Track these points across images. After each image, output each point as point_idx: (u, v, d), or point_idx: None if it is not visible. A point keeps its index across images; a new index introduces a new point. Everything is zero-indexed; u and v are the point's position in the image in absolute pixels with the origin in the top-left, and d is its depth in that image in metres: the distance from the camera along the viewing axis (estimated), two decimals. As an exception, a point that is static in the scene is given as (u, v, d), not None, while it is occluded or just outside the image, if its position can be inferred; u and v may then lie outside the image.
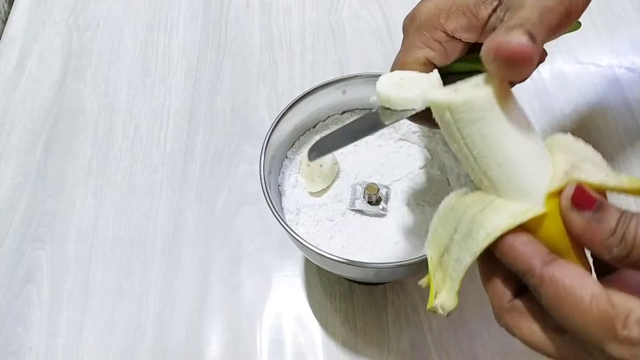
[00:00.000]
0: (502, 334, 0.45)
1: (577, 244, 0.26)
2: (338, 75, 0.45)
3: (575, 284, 0.24)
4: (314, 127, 0.48)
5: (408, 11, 0.74)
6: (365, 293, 0.48)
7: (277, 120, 0.43)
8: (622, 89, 0.58)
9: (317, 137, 0.48)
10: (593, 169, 0.27)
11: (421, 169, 0.46)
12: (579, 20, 0.36)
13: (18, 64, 0.64)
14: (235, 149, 0.56)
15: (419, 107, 0.30)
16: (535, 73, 0.64)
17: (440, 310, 0.28)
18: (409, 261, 0.37)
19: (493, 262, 0.27)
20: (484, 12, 0.31)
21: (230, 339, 0.46)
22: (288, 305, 0.48)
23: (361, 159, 0.47)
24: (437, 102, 0.27)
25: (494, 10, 0.31)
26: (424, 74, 0.32)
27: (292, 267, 0.49)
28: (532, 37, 0.26)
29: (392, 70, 0.34)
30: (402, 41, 0.34)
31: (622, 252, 0.25)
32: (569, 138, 0.28)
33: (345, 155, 0.48)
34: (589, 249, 0.26)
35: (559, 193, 0.26)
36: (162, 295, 0.48)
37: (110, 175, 0.55)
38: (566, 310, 0.24)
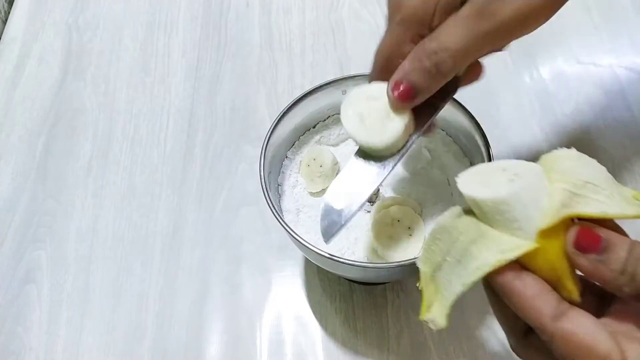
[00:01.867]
0: (501, 334, 0.45)
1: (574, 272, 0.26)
2: (338, 75, 0.45)
3: (588, 340, 0.24)
4: (314, 127, 0.48)
5: (408, 11, 0.72)
6: (365, 293, 0.48)
7: (277, 120, 0.43)
8: (622, 89, 0.58)
9: (318, 137, 0.48)
10: (593, 194, 0.26)
11: (421, 169, 0.46)
12: None
13: (18, 64, 0.64)
14: (235, 149, 0.56)
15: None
16: (535, 73, 0.63)
17: (431, 325, 0.28)
18: (409, 261, 0.37)
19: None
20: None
21: (230, 339, 0.46)
22: (288, 305, 0.48)
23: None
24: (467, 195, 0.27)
25: None
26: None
27: (292, 267, 0.49)
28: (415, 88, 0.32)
29: (375, 59, 0.36)
30: (386, 29, 0.34)
31: (634, 292, 0.25)
32: (570, 154, 0.28)
33: (345, 155, 0.47)
34: (602, 286, 0.26)
35: (554, 228, 0.26)
36: (162, 295, 0.48)
37: (110, 175, 0.55)
38: None
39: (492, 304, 0.28)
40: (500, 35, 0.30)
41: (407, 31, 0.33)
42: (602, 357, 0.24)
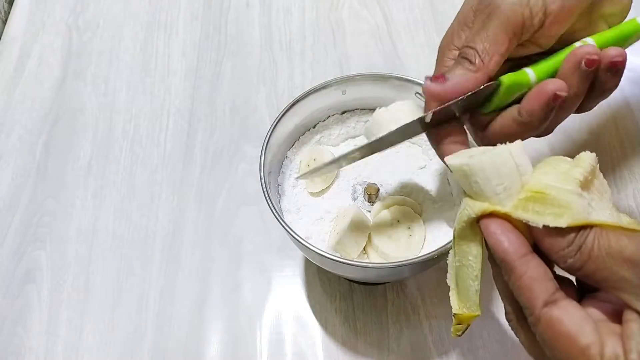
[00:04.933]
0: (502, 334, 0.45)
1: None
2: (338, 75, 0.45)
3: (572, 330, 0.25)
4: (314, 127, 0.48)
5: (408, 11, 0.74)
6: (365, 293, 0.48)
7: (277, 120, 0.43)
8: (622, 89, 0.58)
9: (318, 137, 0.48)
10: (540, 205, 0.28)
11: (421, 169, 0.46)
12: None
13: (18, 64, 0.64)
14: (235, 149, 0.56)
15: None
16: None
17: (458, 333, 0.32)
18: (409, 261, 0.37)
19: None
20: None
21: (230, 339, 0.46)
22: (288, 305, 0.48)
23: (361, 159, 0.47)
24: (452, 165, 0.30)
25: None
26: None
27: (292, 267, 0.49)
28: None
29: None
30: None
31: (576, 264, 0.26)
32: (566, 160, 0.29)
33: (345, 155, 0.47)
34: (547, 255, 0.27)
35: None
36: (162, 295, 0.48)
37: (110, 175, 0.55)
38: (558, 355, 0.25)
39: (495, 276, 0.29)
40: None
41: (445, 54, 0.36)
42: (582, 348, 0.24)
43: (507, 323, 0.46)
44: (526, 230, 0.27)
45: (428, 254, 0.37)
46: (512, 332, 0.45)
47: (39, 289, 0.49)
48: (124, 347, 0.46)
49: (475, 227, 0.29)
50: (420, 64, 0.61)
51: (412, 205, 0.43)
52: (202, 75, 0.62)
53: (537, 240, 0.27)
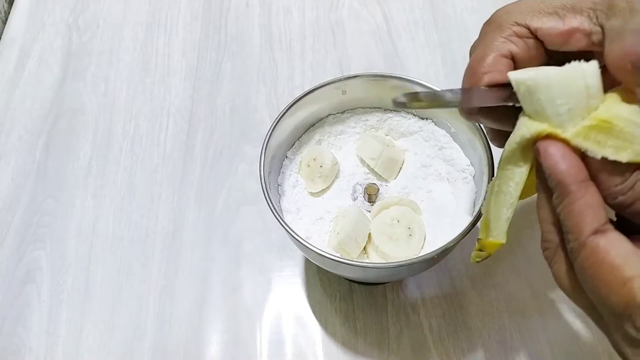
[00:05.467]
0: (502, 334, 0.45)
1: None
2: (338, 75, 0.45)
3: (617, 261, 0.24)
4: (313, 127, 0.48)
5: (408, 11, 0.74)
6: (365, 293, 0.48)
7: (277, 120, 0.43)
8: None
9: (318, 137, 0.48)
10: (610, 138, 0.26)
11: (422, 168, 0.46)
12: None
13: (18, 64, 0.64)
14: (235, 149, 0.56)
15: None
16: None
17: (476, 259, 0.32)
18: (409, 261, 0.37)
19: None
20: (573, 21, 0.29)
21: (230, 339, 0.46)
22: (288, 305, 0.48)
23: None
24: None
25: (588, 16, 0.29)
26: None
27: (292, 267, 0.49)
28: None
29: (468, 69, 0.32)
30: (477, 42, 0.33)
31: (627, 201, 0.25)
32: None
33: (346, 155, 0.48)
34: (597, 188, 0.26)
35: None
36: (162, 295, 0.48)
37: (110, 175, 0.55)
38: (596, 285, 0.24)
39: (540, 203, 0.28)
40: None
41: (502, 32, 0.31)
42: (625, 279, 0.24)
43: (507, 323, 0.46)
44: (581, 159, 0.26)
45: (428, 254, 0.37)
46: (512, 333, 0.45)
47: (39, 289, 0.49)
48: (124, 347, 0.46)
49: (527, 150, 0.28)
50: (420, 64, 0.61)
51: (412, 205, 0.43)
52: (202, 75, 0.62)
53: (590, 172, 0.26)
